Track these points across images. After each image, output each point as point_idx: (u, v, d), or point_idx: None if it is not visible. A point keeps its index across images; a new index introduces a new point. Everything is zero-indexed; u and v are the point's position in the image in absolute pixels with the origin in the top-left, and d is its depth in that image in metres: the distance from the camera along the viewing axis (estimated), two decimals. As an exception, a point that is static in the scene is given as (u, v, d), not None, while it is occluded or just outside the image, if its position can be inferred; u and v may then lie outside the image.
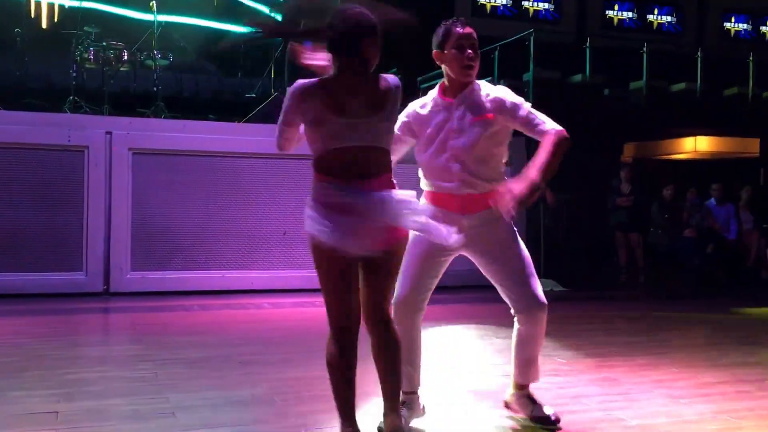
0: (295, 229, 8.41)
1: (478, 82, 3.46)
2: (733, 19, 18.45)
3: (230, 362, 4.88)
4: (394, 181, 2.97)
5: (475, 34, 3.41)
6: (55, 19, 10.84)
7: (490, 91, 3.43)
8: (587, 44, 12.72)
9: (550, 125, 3.33)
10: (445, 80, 3.48)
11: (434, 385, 4.25)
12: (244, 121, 9.22)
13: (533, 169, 3.15)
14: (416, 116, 3.48)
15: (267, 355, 5.14)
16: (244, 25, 10.51)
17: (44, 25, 10.78)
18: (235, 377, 4.47)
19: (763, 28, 18.59)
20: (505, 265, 3.40)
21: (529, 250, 3.52)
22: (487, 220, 3.39)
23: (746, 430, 3.66)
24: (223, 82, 11.99)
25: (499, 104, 3.38)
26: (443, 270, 3.51)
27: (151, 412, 3.68)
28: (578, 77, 12.59)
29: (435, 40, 3.44)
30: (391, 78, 3.01)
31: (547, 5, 16.64)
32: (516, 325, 3.49)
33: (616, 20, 17.45)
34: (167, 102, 9.98)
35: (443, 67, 3.46)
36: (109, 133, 7.96)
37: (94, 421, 3.53)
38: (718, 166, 14.50)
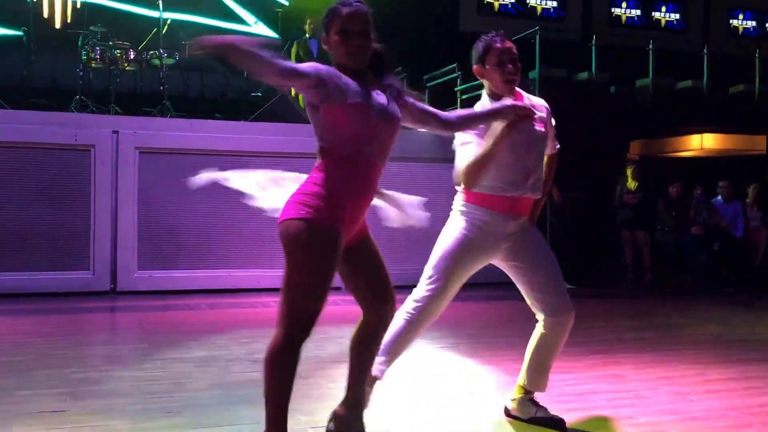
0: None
1: (516, 89, 3.46)
2: (741, 17, 18.41)
3: (237, 360, 4.89)
4: (314, 175, 2.99)
5: (514, 49, 3.42)
6: (68, 20, 10.83)
7: (532, 99, 3.50)
8: (593, 42, 12.70)
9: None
10: (486, 93, 3.46)
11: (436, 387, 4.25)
12: (251, 120, 9.22)
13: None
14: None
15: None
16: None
17: (57, 24, 10.77)
18: (242, 375, 4.48)
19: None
20: (548, 270, 3.40)
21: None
22: (527, 224, 3.47)
23: (755, 426, 3.66)
24: (229, 80, 12.00)
25: (548, 114, 3.52)
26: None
27: (158, 411, 3.68)
28: (584, 75, 12.58)
29: (475, 54, 3.43)
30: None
31: (552, 3, 16.63)
32: (540, 330, 3.44)
33: (622, 18, 17.42)
34: (173, 101, 10.00)
35: (484, 81, 3.46)
36: (115, 132, 7.98)
37: (101, 419, 3.54)
38: (725, 164, 14.47)
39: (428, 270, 3.43)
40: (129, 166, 7.97)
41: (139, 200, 8.01)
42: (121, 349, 5.49)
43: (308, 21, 10.82)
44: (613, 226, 11.03)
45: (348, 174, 2.79)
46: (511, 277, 3.50)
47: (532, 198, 3.43)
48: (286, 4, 13.16)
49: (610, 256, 11.27)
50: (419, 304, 3.40)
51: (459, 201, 3.46)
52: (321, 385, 4.25)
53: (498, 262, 3.48)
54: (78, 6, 10.88)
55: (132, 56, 9.96)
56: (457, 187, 3.46)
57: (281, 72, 2.67)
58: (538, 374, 3.50)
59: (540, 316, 3.43)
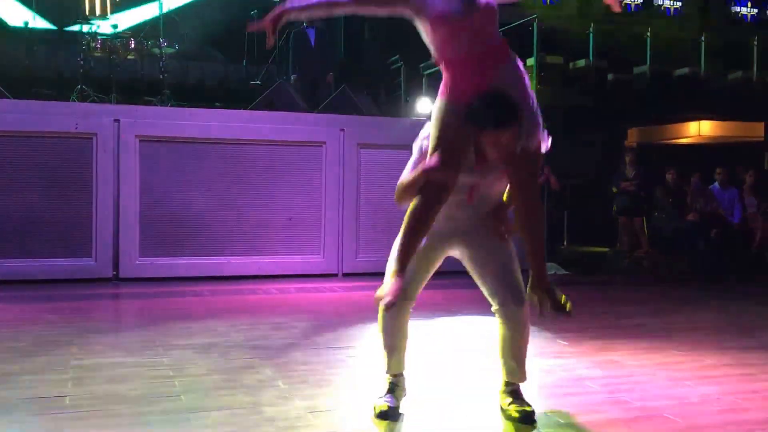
0: (300, 215, 8.47)
1: None
2: (747, 5, 18.34)
3: (237, 346, 4.94)
4: None
5: None
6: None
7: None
8: (590, 29, 12.71)
9: None
10: None
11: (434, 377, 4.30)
12: (250, 108, 9.26)
13: None
14: None
15: (273, 340, 5.20)
16: None
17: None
18: (242, 361, 4.53)
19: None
20: (498, 263, 3.38)
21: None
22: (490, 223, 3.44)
23: (751, 412, 3.71)
24: (229, 69, 12.03)
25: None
26: (438, 264, 3.52)
27: (158, 396, 3.74)
28: (582, 62, 12.60)
29: None
30: None
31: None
32: (497, 322, 3.42)
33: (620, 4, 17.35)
34: (174, 90, 10.04)
35: None
36: (116, 120, 8.02)
37: (102, 404, 3.59)
38: (723, 150, 14.51)
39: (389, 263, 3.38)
40: (130, 154, 8.01)
41: (140, 188, 8.06)
42: (123, 336, 5.54)
43: None
44: (610, 212, 11.08)
45: None
46: (465, 267, 3.52)
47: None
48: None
49: (607, 241, 11.33)
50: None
51: None
52: (319, 371, 4.31)
53: (454, 251, 3.49)
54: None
55: (132, 45, 10.00)
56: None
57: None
58: (513, 365, 3.45)
59: (493, 308, 3.42)
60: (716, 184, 11.08)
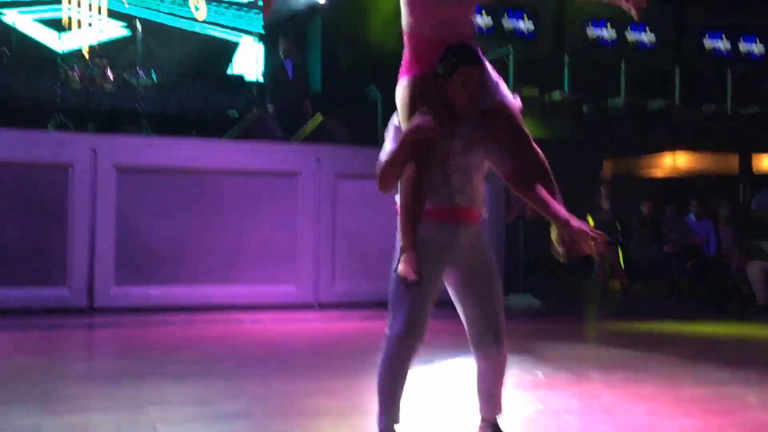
0: (276, 244, 8.44)
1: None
2: (721, 38, 18.68)
3: (212, 377, 4.90)
4: None
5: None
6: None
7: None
8: (565, 61, 12.85)
9: None
10: None
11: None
12: (227, 138, 9.27)
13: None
14: None
15: (248, 370, 5.16)
16: None
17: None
18: (217, 391, 4.49)
19: (741, 45, 18.85)
20: (485, 305, 3.27)
21: (509, 265, 3.53)
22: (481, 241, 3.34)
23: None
24: (207, 99, 12.06)
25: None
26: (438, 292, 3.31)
27: (132, 427, 3.70)
28: (557, 94, 12.71)
29: None
30: None
31: (525, 23, 16.81)
32: (482, 361, 3.32)
33: (593, 37, 17.64)
34: (151, 119, 10.03)
35: None
36: (93, 150, 7.98)
37: (77, 436, 3.55)
38: (697, 182, 14.65)
39: (389, 305, 3.20)
40: (107, 184, 7.96)
41: (117, 217, 8.00)
42: (98, 366, 5.48)
43: (282, 42, 10.92)
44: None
45: None
46: (452, 298, 3.36)
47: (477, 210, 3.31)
48: (262, 32, 13.39)
49: (583, 272, 11.38)
50: (390, 339, 3.16)
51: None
52: (295, 402, 4.28)
53: (447, 278, 3.32)
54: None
55: (110, 75, 10.01)
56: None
57: None
58: (486, 401, 3.38)
59: (472, 343, 3.31)
60: (692, 215, 11.18)
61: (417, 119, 3.09)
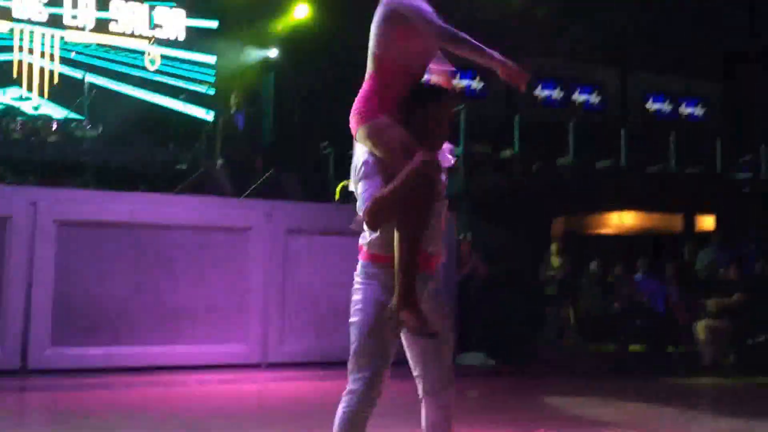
0: (223, 302, 8.22)
1: None
2: (663, 100, 19.20)
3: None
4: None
5: None
6: None
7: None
8: (516, 120, 13.02)
9: None
10: None
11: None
12: (175, 193, 9.07)
13: None
14: None
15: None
16: None
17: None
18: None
19: (684, 108, 19.40)
20: (437, 351, 3.19)
21: (461, 322, 3.46)
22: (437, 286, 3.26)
23: None
24: (154, 152, 11.86)
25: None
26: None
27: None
28: (508, 152, 12.85)
29: None
30: None
31: (477, 83, 17.08)
32: (429, 410, 3.23)
33: (542, 98, 17.99)
34: (96, 173, 9.80)
35: None
36: (33, 203, 7.72)
37: None
38: (645, 241, 14.84)
39: (352, 360, 3.14)
40: (46, 239, 7.69)
41: (56, 273, 7.71)
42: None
43: (234, 95, 10.86)
44: (538, 300, 11.12)
45: None
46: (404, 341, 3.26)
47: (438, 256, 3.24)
48: (211, 81, 13.36)
49: (534, 329, 11.33)
50: (353, 396, 3.09)
51: (365, 266, 3.21)
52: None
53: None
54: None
55: (54, 127, 9.79)
56: (362, 242, 3.22)
57: None
58: None
59: (422, 390, 3.24)
60: (639, 273, 11.26)
61: (421, 154, 2.95)
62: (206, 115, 13.26)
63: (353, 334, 3.13)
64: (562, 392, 7.48)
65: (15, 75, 12.03)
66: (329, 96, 12.36)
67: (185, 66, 13.69)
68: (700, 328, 9.76)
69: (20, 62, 12.27)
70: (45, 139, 9.77)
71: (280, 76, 14.04)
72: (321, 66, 13.52)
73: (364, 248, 3.21)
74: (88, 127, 9.91)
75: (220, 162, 10.66)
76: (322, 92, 12.98)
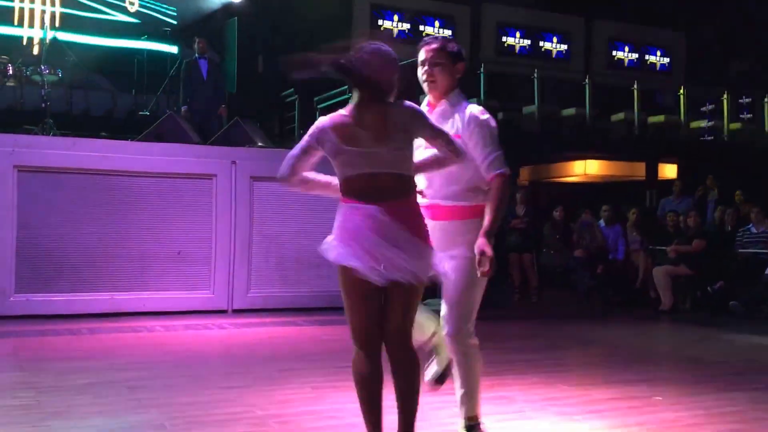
0: (189, 249, 8.22)
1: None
2: (627, 49, 19.22)
3: (118, 388, 4.69)
4: (419, 204, 3.14)
5: (431, 52, 3.52)
6: None
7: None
8: (481, 69, 12.99)
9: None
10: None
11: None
12: (138, 140, 8.97)
13: (488, 220, 3.31)
14: None
15: (157, 380, 4.97)
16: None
17: None
18: (123, 403, 4.31)
19: (648, 57, 19.47)
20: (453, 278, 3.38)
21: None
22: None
23: (635, 444, 3.76)
24: (116, 99, 11.68)
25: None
26: None
27: (31, 442, 3.49)
28: (473, 102, 12.84)
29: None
30: (406, 107, 3.09)
31: (446, 32, 16.98)
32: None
33: (508, 46, 17.95)
34: (57, 119, 9.63)
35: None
36: (-8, 150, 7.60)
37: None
38: (607, 189, 15.02)
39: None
40: (6, 185, 7.60)
41: (17, 221, 7.64)
42: (-7, 378, 5.19)
43: (197, 41, 10.71)
44: (501, 249, 11.23)
45: None
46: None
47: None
48: (174, 23, 13.13)
49: (497, 278, 11.46)
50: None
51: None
52: (204, 412, 4.13)
53: None
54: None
55: (11, 72, 9.56)
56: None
57: None
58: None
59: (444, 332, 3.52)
60: (601, 221, 11.42)
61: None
62: (171, 47, 13.06)
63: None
64: (523, 337, 7.62)
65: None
66: (293, 42, 12.23)
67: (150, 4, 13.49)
68: (660, 274, 9.97)
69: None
70: (2, 84, 9.56)
71: (243, 21, 13.83)
72: (284, 11, 13.35)
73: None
74: (46, 71, 9.68)
75: (183, 108, 10.55)
76: (286, 38, 12.84)
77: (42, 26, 10.40)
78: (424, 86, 3.52)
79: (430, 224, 3.24)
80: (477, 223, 3.32)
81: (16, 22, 11.87)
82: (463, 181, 3.38)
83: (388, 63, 3.09)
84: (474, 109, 3.47)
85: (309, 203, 7.84)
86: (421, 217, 3.09)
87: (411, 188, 3.12)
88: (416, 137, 3.11)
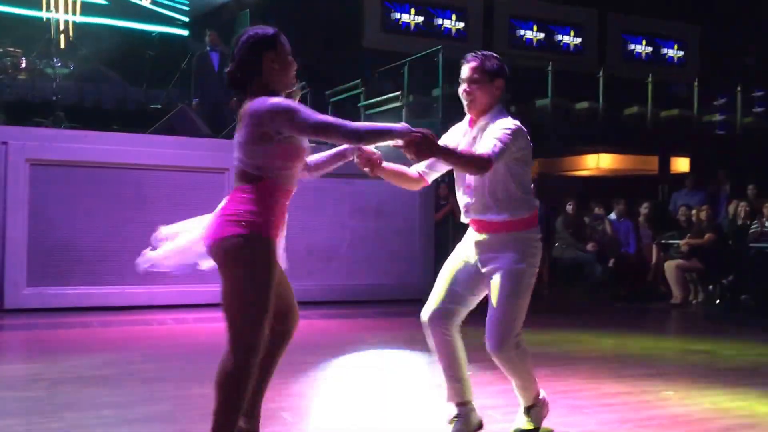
0: (201, 242, 8.21)
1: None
2: (643, 42, 19.11)
3: (130, 380, 4.72)
4: (244, 196, 3.05)
5: (470, 71, 3.57)
6: None
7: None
8: (495, 62, 12.92)
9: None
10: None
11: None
12: (149, 133, 8.98)
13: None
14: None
15: (169, 372, 4.99)
16: None
17: None
18: (136, 395, 4.32)
19: (662, 50, 19.35)
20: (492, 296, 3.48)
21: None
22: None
23: (647, 438, 3.74)
24: (128, 91, 11.69)
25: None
26: (476, 284, 3.57)
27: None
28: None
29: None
30: (256, 102, 2.96)
31: (459, 24, 16.93)
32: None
33: (522, 39, 17.88)
34: (68, 111, 9.65)
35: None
36: (4, 143, 7.63)
37: (-18, 443, 3.35)
38: (620, 182, 14.95)
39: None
40: (19, 179, 7.63)
41: (29, 214, 7.67)
42: (7, 370, 5.22)
43: (208, 34, 10.73)
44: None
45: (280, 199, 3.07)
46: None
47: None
48: (186, 20, 13.16)
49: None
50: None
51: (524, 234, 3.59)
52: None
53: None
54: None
55: (24, 65, 9.58)
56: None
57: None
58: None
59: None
60: (613, 214, 11.38)
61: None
62: (182, 30, 13.09)
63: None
64: (534, 330, 7.60)
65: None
66: (307, 37, 12.23)
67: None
68: (671, 268, 9.93)
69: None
70: (14, 77, 9.57)
71: (255, 14, 13.83)
72: (296, 2, 13.32)
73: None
74: (58, 64, 9.70)
75: (195, 101, 10.56)
76: (297, 31, 12.82)
77: (66, 11, 10.41)
78: (464, 103, 3.48)
79: (476, 237, 3.38)
80: (521, 235, 3.46)
81: (44, 9, 11.84)
82: (499, 192, 3.50)
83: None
84: (506, 121, 3.47)
85: (322, 196, 7.83)
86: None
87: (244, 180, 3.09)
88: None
